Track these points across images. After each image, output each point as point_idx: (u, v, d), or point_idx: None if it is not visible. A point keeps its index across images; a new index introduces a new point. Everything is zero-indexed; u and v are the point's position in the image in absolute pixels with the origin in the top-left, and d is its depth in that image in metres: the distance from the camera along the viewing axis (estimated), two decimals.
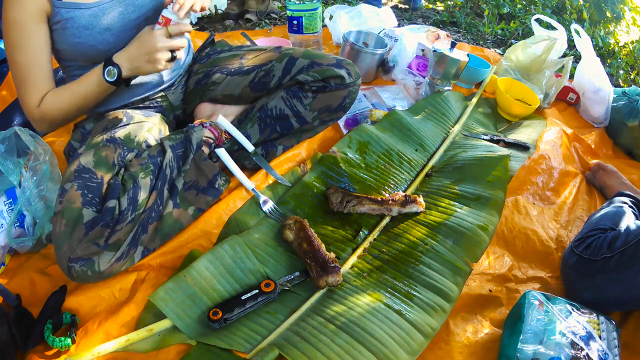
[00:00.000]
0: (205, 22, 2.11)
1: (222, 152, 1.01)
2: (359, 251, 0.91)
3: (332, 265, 0.82)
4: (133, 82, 0.94)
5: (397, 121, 1.25)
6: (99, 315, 0.80)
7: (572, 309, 0.76)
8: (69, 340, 0.73)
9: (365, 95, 1.41)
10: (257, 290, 0.80)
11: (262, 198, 0.99)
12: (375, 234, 0.95)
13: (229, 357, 0.72)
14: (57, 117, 0.92)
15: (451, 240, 0.92)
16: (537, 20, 1.63)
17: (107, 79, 0.87)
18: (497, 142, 1.25)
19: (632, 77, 2.24)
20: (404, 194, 1.01)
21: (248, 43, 1.53)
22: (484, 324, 0.83)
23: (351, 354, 0.70)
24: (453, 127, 1.31)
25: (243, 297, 0.78)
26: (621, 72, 2.25)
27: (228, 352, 0.72)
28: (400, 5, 2.58)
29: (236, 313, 0.76)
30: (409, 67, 1.54)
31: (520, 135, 1.33)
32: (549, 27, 1.59)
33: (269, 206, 0.98)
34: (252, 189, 1.00)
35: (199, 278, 0.81)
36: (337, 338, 0.72)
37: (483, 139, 1.27)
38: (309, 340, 0.72)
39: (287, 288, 0.83)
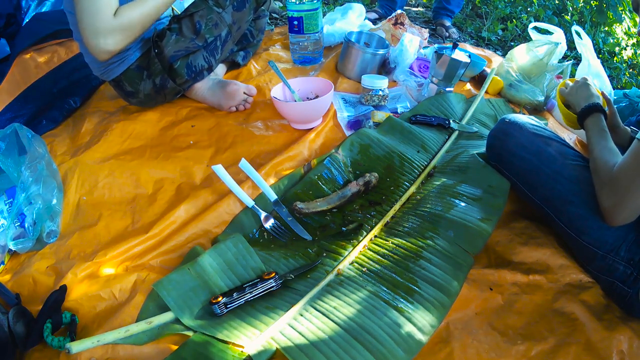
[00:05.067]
0: None
1: (219, 169, 1.01)
2: (360, 247, 0.91)
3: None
4: None
5: (398, 124, 1.25)
6: (99, 315, 0.79)
7: None
8: (68, 340, 0.73)
9: None
10: (257, 279, 0.82)
11: (263, 214, 0.98)
12: (376, 230, 0.95)
13: (226, 349, 0.72)
14: (135, 23, 1.02)
15: (452, 232, 0.91)
16: (534, 28, 1.64)
17: None
18: None
19: (631, 77, 2.24)
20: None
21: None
22: (484, 323, 0.83)
23: (348, 352, 0.69)
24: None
25: (244, 285, 0.80)
26: (622, 73, 2.26)
27: (225, 344, 0.72)
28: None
29: (235, 297, 0.78)
30: (411, 68, 1.54)
31: None
32: (547, 33, 1.59)
33: (270, 223, 0.97)
34: (253, 206, 0.99)
35: (202, 272, 0.81)
36: (334, 335, 0.72)
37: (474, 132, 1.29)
38: (307, 336, 0.72)
39: (290, 278, 0.83)
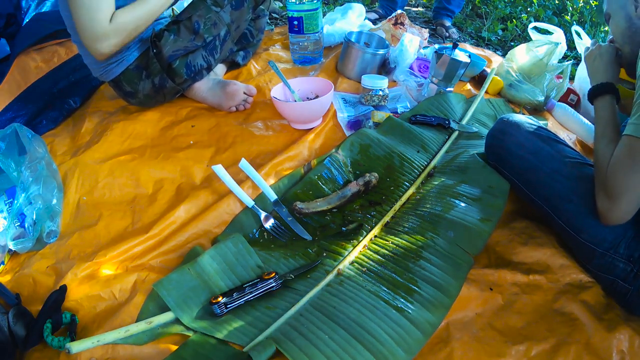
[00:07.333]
0: None
1: (219, 169, 1.01)
2: (360, 247, 0.91)
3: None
4: None
5: (398, 124, 1.25)
6: (99, 315, 0.79)
7: None
8: (68, 340, 0.73)
9: None
10: (257, 279, 0.82)
11: (263, 214, 0.98)
12: (376, 230, 0.95)
13: (226, 349, 0.72)
14: (130, 28, 1.05)
15: (452, 232, 0.91)
16: (534, 28, 1.63)
17: None
18: None
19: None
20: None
21: None
22: (484, 323, 0.83)
23: (348, 352, 0.69)
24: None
25: (244, 285, 0.80)
26: None
27: (225, 344, 0.73)
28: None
29: (235, 297, 0.78)
30: (411, 68, 1.54)
31: None
32: (547, 33, 1.59)
33: (270, 223, 0.97)
34: (253, 206, 0.99)
35: (202, 272, 0.82)
36: (334, 335, 0.72)
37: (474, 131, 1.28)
38: (307, 336, 0.72)
39: (290, 278, 0.83)
